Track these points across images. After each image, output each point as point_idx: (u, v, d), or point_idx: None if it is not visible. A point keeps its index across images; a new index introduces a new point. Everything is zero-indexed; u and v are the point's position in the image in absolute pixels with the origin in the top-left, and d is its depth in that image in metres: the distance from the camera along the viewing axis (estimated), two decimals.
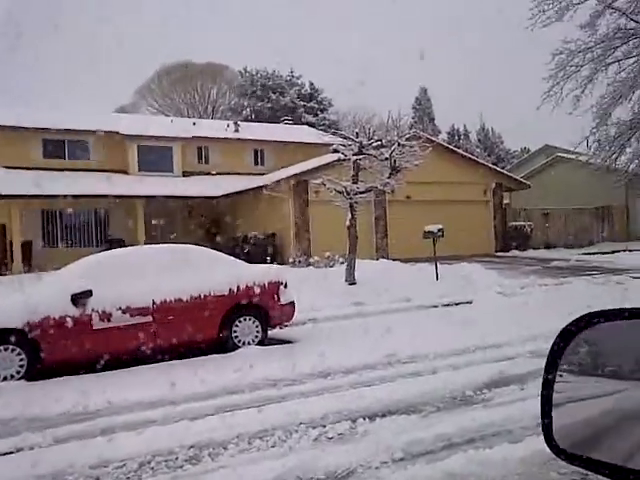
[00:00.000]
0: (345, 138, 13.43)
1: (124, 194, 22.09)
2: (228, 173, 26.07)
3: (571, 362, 1.26)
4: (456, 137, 58.68)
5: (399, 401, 5.38)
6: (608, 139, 25.53)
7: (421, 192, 22.29)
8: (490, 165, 25.11)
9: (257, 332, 7.79)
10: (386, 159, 12.66)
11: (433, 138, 25.32)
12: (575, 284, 13.91)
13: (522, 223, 24.09)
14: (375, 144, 12.81)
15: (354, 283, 13.31)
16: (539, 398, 1.25)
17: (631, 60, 25.36)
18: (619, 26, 24.93)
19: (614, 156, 25.36)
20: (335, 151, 13.80)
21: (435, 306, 11.43)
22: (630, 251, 21.34)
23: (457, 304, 11.57)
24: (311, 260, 17.48)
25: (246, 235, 21.00)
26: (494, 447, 4.21)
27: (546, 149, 35.63)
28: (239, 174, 25.73)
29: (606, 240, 26.85)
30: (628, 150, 25.45)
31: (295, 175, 20.36)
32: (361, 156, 12.77)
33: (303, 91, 48.93)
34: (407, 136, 13.54)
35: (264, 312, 7.78)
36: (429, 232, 13.92)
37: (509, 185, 25.16)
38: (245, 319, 7.74)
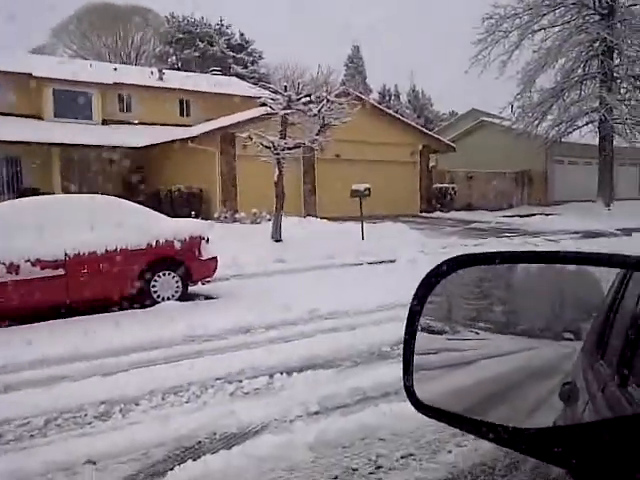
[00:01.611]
0: (274, 92, 13.10)
1: (37, 141, 20.82)
2: (152, 123, 25.06)
3: (433, 310, 1.23)
4: (387, 97, 58.86)
5: (317, 356, 5.40)
6: (531, 105, 26.36)
7: (350, 151, 22.29)
8: (418, 126, 25.40)
9: (177, 287, 7.59)
10: (315, 115, 12.47)
11: (363, 97, 25.26)
12: (493, 244, 14.46)
13: (446, 185, 24.67)
14: (304, 99, 12.57)
15: (280, 240, 13.23)
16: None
17: (556, 29, 26.05)
18: None
19: (536, 122, 26.27)
20: (263, 105, 13.48)
21: (359, 264, 11.55)
22: (546, 215, 22.33)
23: (381, 262, 11.74)
24: (237, 216, 17.22)
25: (170, 189, 20.38)
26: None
27: (473, 113, 36.42)
28: (164, 125, 24.78)
29: (525, 204, 28.00)
30: (549, 117, 26.41)
31: (222, 128, 19.82)
32: (289, 111, 12.51)
33: (233, 41, 47.40)
34: (336, 92, 13.36)
35: (184, 267, 7.57)
36: (356, 191, 13.97)
37: (435, 147, 25.58)
38: (164, 274, 7.51)
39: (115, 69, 27.78)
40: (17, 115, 22.70)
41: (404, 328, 1.21)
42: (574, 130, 25.48)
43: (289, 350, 5.65)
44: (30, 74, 22.95)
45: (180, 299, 7.60)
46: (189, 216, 19.12)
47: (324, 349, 5.60)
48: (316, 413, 4.14)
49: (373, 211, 22.27)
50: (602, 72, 24.03)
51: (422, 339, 1.21)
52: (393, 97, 59.75)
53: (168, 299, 7.52)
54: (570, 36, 25.06)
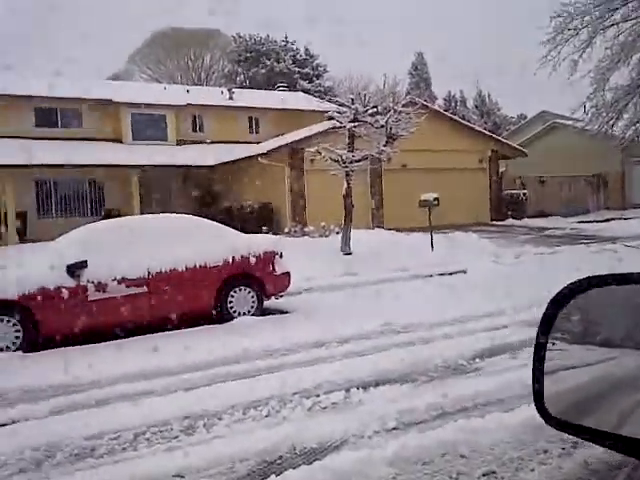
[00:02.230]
0: (341, 105, 13.26)
1: (118, 163, 21.90)
2: (223, 141, 25.84)
3: (563, 329, 1.26)
4: (453, 103, 58.15)
5: (393, 371, 5.43)
6: (605, 105, 25.30)
7: (417, 160, 22.16)
8: (486, 132, 24.95)
9: (253, 302, 7.82)
10: (382, 126, 12.52)
11: (429, 104, 25.05)
12: (569, 252, 13.98)
13: (517, 191, 24.05)
14: (371, 111, 12.65)
15: (350, 253, 13.32)
16: (531, 366, 1.24)
17: (629, 24, 24.97)
18: None
19: (611, 122, 25.18)
20: (330, 118, 13.65)
21: (430, 275, 11.45)
22: (625, 219, 21.37)
23: (452, 273, 11.60)
24: (306, 230, 17.45)
25: (241, 204, 20.92)
26: (486, 416, 4.25)
27: (543, 115, 35.38)
28: (234, 142, 25.48)
29: (602, 208, 26.89)
30: (625, 116, 25.26)
31: (290, 143, 20.18)
32: (356, 123, 12.63)
33: (298, 57, 48.20)
34: (403, 103, 13.36)
35: (259, 282, 7.79)
36: (424, 201, 13.88)
37: (505, 152, 25.02)
38: (241, 289, 7.76)
39: (187, 91, 28.84)
40: (99, 139, 23.97)
41: (534, 344, 1.24)
42: None
43: (364, 364, 5.70)
44: (110, 100, 24.22)
45: (255, 314, 7.82)
46: (259, 231, 19.63)
47: (400, 363, 5.61)
48: (394, 429, 4.17)
49: (442, 221, 22.01)
50: None
51: (551, 354, 1.24)
52: (459, 103, 58.92)
53: (244, 314, 7.75)
54: None
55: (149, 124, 24.95)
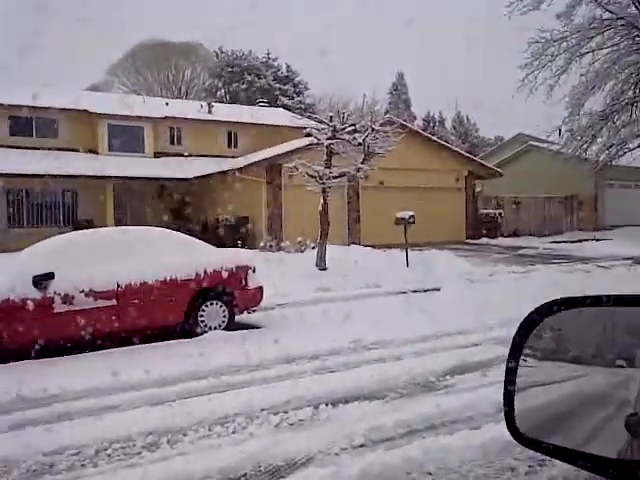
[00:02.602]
0: (319, 122, 13.31)
1: (91, 174, 21.66)
2: (201, 155, 25.77)
3: (535, 348, 1.28)
4: (431, 124, 58.88)
5: (362, 387, 5.37)
6: (580, 129, 25.85)
7: (394, 178, 22.32)
8: (463, 152, 25.27)
9: (224, 317, 7.71)
10: (359, 144, 12.59)
11: (407, 124, 25.29)
12: (542, 272, 14.13)
13: (493, 211, 24.34)
14: (349, 129, 12.72)
15: (324, 269, 13.29)
16: (502, 384, 1.25)
17: (605, 51, 25.63)
18: (595, 16, 25.19)
19: (585, 146, 25.72)
20: (309, 135, 13.69)
21: (403, 292, 11.46)
22: (597, 240, 21.72)
23: (425, 291, 11.62)
24: (282, 245, 17.39)
25: (217, 218, 20.80)
26: (454, 434, 4.22)
27: (519, 137, 35.97)
28: (212, 156, 25.43)
29: (575, 229, 27.31)
30: (599, 140, 25.82)
31: (268, 158, 20.18)
32: (334, 140, 12.68)
33: (279, 73, 48.47)
34: (381, 122, 13.46)
35: (231, 297, 7.69)
36: (401, 219, 13.95)
37: (481, 173, 25.35)
38: (212, 304, 7.65)
39: (167, 103, 28.74)
40: (75, 150, 23.68)
41: (505, 364, 1.26)
42: (625, 153, 24.81)
43: (334, 380, 5.65)
44: (86, 110, 24.01)
45: (227, 329, 7.71)
46: (235, 245, 19.52)
47: (369, 380, 5.57)
48: (361, 446, 4.11)
49: (419, 238, 22.15)
50: None
51: (523, 373, 1.26)
52: (438, 123, 59.67)
53: (215, 328, 7.64)
54: (619, 58, 24.61)
55: (126, 136, 24.77)
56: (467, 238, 23.83)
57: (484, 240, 23.08)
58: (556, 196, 27.28)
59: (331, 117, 12.82)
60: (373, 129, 12.52)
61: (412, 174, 22.61)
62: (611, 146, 25.26)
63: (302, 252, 17.34)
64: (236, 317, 8.11)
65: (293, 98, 46.82)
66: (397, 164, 22.13)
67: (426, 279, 12.53)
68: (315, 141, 13.16)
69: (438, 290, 11.61)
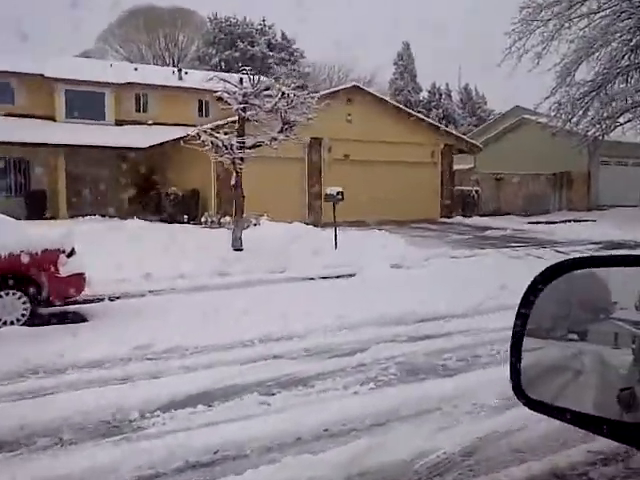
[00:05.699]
0: (234, 86, 11.91)
1: (42, 142, 20.55)
2: (167, 124, 24.46)
3: (539, 313, 1.28)
4: (437, 95, 56.60)
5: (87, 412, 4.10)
6: (570, 100, 24.01)
7: (361, 151, 20.87)
8: (439, 125, 23.54)
9: (24, 310, 6.49)
10: (270, 111, 11.21)
11: (373, 92, 23.61)
12: (487, 257, 12.77)
13: (469, 188, 22.74)
14: (265, 92, 11.32)
15: (240, 249, 12.05)
16: (508, 349, 1.26)
17: (597, 16, 23.66)
18: None
19: (574, 119, 23.91)
20: (220, 99, 12.34)
21: (312, 278, 10.21)
22: (582, 221, 20.14)
23: (337, 277, 10.36)
24: (222, 220, 16.17)
25: (166, 191, 19.61)
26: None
27: (516, 110, 34.02)
28: (181, 125, 24.05)
29: (564, 209, 25.63)
30: (590, 113, 23.98)
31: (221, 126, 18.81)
32: (245, 105, 11.30)
33: (274, 41, 46.67)
34: (294, 85, 12.01)
35: (34, 286, 6.47)
36: (329, 195, 12.58)
37: (461, 147, 23.69)
38: (7, 294, 6.43)
39: (136, 69, 27.40)
40: (30, 116, 22.57)
41: (512, 331, 1.27)
42: (616, 127, 22.96)
43: (139, 390, 4.36)
44: (42, 75, 22.80)
45: (30, 323, 6.51)
46: (180, 221, 18.39)
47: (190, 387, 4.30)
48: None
49: (389, 215, 20.81)
50: None
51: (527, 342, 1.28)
52: (443, 95, 57.37)
53: (12, 323, 6.44)
54: (613, 23, 22.62)
55: (85, 102, 23.53)
56: (442, 216, 22.35)
57: (457, 219, 21.57)
58: (543, 173, 25.53)
59: (241, 80, 11.43)
60: (284, 93, 11.09)
61: (382, 147, 21.10)
62: (603, 119, 23.40)
63: (245, 229, 16.14)
64: (57, 308, 6.89)
65: (287, 66, 45.10)
66: (364, 136, 20.67)
67: (348, 263, 11.23)
68: (227, 106, 11.79)
69: (352, 276, 10.36)
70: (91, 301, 8.07)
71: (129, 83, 24.60)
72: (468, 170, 25.45)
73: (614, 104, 22.70)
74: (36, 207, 20.41)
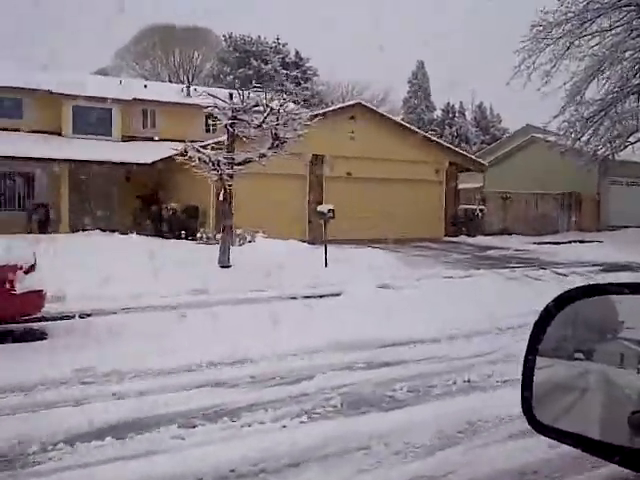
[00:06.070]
0: (223, 101, 11.79)
1: (47, 157, 20.69)
2: (175, 140, 24.49)
3: (552, 339, 1.29)
4: (450, 114, 56.34)
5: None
6: (579, 119, 23.60)
7: (364, 169, 20.65)
8: (444, 143, 23.21)
9: None
10: (259, 126, 11.05)
11: (380, 110, 23.48)
12: (483, 278, 12.40)
13: (473, 207, 22.33)
14: (255, 109, 11.18)
15: (227, 266, 11.85)
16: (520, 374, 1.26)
17: (608, 34, 23.31)
18: None
19: (583, 138, 23.49)
20: (211, 115, 12.22)
21: (293, 298, 9.95)
22: (586, 242, 19.65)
23: (321, 297, 10.09)
24: (218, 237, 16.00)
25: (167, 207, 19.56)
26: None
27: (527, 129, 33.61)
28: (188, 141, 24.11)
29: (573, 229, 25.07)
30: (599, 132, 23.53)
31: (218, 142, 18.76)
32: (234, 121, 11.16)
33: (287, 59, 46.89)
34: (284, 102, 11.85)
35: None
36: (320, 213, 12.35)
37: (467, 165, 23.35)
38: None
39: (145, 86, 27.62)
40: (38, 132, 22.76)
41: (525, 353, 1.28)
42: (626, 147, 22.48)
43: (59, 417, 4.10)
44: (49, 91, 23.04)
45: None
46: (178, 237, 18.30)
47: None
48: None
49: (392, 234, 20.47)
50: None
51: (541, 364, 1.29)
52: (457, 114, 57.07)
53: None
54: (624, 41, 22.25)
55: (92, 118, 23.72)
56: (446, 235, 21.97)
57: (461, 238, 21.18)
58: (552, 193, 25.05)
59: (231, 95, 11.31)
60: (271, 109, 10.93)
61: (385, 164, 20.86)
62: (612, 138, 22.93)
63: (240, 245, 15.98)
64: (36, 325, 6.69)
65: (300, 84, 45.25)
66: (367, 153, 20.47)
67: (335, 282, 10.93)
68: (218, 123, 11.67)
69: (336, 296, 10.08)
70: (60, 318, 7.91)
71: (137, 99, 24.76)
72: (475, 189, 25.06)
73: (624, 123, 22.25)
74: (39, 221, 20.52)
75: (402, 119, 56.05)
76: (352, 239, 18.75)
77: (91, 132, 23.60)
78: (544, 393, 1.27)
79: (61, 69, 26.45)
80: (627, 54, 22.21)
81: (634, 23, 22.30)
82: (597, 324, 1.32)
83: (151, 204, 21.48)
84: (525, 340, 1.27)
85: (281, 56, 46.66)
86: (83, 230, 19.82)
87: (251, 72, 45.32)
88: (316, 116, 12.39)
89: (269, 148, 11.45)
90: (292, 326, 7.64)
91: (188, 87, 27.84)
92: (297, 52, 47.71)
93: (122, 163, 22.19)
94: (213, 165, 11.18)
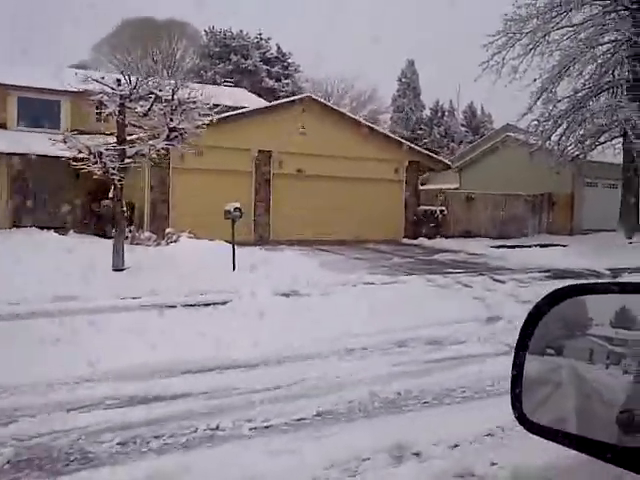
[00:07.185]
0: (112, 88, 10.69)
1: None
2: (131, 134, 23.43)
3: (541, 338, 1.29)
4: (439, 113, 55.22)
5: None
6: (549, 117, 22.43)
7: (317, 166, 19.55)
8: (403, 141, 22.00)
9: None
10: (144, 115, 9.95)
11: (333, 105, 22.35)
12: (407, 285, 11.28)
13: (433, 208, 21.17)
14: (146, 97, 10.07)
15: (121, 269, 10.75)
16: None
17: (580, 28, 22.17)
18: None
19: (554, 137, 22.33)
20: (101, 103, 11.13)
21: (172, 306, 8.84)
22: (546, 247, 18.50)
23: (206, 305, 9.00)
24: (142, 237, 14.94)
25: (104, 204, 18.45)
26: None
27: (507, 128, 32.46)
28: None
29: (544, 232, 23.91)
30: (570, 132, 22.36)
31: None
32: (119, 109, 10.06)
33: (268, 54, 45.78)
34: (172, 87, 10.73)
35: None
36: (227, 212, 11.22)
37: (430, 164, 22.20)
38: None
39: (103, 77, 26.44)
40: None
41: (514, 353, 1.27)
42: (596, 146, 21.32)
43: None
44: None
45: None
46: (105, 235, 17.20)
47: None
48: None
49: (344, 235, 19.40)
50: (628, 79, 19.90)
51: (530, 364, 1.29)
52: (446, 113, 55.91)
53: None
54: (597, 34, 21.09)
55: (40, 110, 22.67)
56: (405, 237, 20.84)
57: (420, 240, 20.04)
58: (522, 194, 23.88)
59: (119, 81, 10.23)
60: (157, 96, 9.82)
61: (340, 162, 19.76)
62: (583, 138, 21.77)
63: (167, 245, 14.91)
64: None
65: (280, 80, 44.15)
66: (319, 150, 19.36)
67: (231, 289, 9.80)
68: (106, 110, 10.56)
69: (223, 304, 8.99)
70: None
71: (87, 91, 23.64)
72: (440, 190, 23.86)
73: (595, 121, 21.08)
74: None
75: (390, 117, 55.07)
76: (300, 240, 17.70)
77: (37, 125, 22.52)
78: (533, 393, 1.27)
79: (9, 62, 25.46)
80: (598, 50, 21.09)
81: (606, 19, 21.15)
82: (569, 322, 1.32)
83: (91, 201, 20.44)
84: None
85: (262, 51, 45.57)
86: (24, 227, 19.00)
87: (230, 67, 44.30)
88: (215, 108, 11.20)
89: (165, 140, 10.34)
90: (132, 344, 6.54)
91: None
92: (279, 47, 46.63)
93: (67, 158, 21.10)
94: (94, 157, 10.07)
